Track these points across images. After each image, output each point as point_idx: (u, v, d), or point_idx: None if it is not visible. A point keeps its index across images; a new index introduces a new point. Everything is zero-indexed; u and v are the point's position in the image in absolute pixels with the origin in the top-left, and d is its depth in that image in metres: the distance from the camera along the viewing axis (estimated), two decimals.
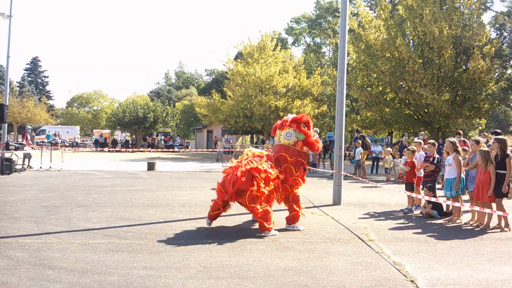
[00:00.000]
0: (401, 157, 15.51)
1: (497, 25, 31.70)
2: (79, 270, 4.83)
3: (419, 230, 7.44)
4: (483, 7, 28.70)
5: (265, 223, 6.55)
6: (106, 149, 35.44)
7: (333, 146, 16.71)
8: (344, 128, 10.78)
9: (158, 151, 35.62)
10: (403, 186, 10.16)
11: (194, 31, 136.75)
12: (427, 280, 4.73)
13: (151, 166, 18.98)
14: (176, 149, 41.58)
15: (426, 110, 23.71)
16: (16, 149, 18.37)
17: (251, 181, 6.50)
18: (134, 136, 47.40)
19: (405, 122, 25.14)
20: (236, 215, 7.96)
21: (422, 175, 9.52)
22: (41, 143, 31.59)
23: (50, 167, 17.74)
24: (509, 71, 29.14)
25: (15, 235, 6.41)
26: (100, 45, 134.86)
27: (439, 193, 9.64)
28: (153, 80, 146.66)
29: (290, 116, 7.53)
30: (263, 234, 6.63)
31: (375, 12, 30.14)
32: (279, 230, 6.95)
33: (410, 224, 8.05)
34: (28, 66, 68.74)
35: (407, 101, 24.63)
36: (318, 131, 7.73)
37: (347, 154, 23.73)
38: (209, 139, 45.79)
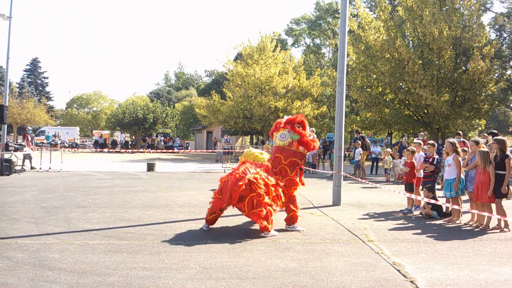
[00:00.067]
0: (400, 158, 15.52)
1: (496, 26, 31.73)
2: (78, 271, 4.82)
3: (419, 231, 7.44)
4: (482, 8, 28.76)
5: (264, 222, 6.56)
6: (105, 150, 35.44)
7: (332, 147, 16.74)
8: (344, 129, 10.78)
9: (157, 152, 35.60)
10: (403, 186, 10.16)
11: (194, 32, 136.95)
12: (427, 280, 4.73)
13: (150, 167, 18.98)
14: (175, 150, 41.59)
15: (425, 110, 23.72)
16: (16, 150, 18.38)
17: (250, 187, 6.51)
18: (133, 137, 47.38)
19: (405, 122, 25.15)
20: (235, 215, 7.96)
21: (422, 176, 9.53)
22: (41, 144, 31.61)
23: (49, 168, 17.74)
24: (508, 72, 29.18)
25: (14, 236, 6.41)
26: (99, 46, 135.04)
27: (439, 193, 9.63)
28: (152, 81, 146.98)
29: (285, 118, 7.55)
30: (262, 235, 6.63)
31: (375, 13, 30.19)
32: (279, 231, 6.95)
33: (410, 224, 8.05)
34: (27, 67, 68.82)
35: (406, 102, 24.64)
36: (315, 131, 7.72)
37: (347, 154, 23.74)
38: (209, 140, 45.78)
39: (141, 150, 38.18)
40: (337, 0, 49.34)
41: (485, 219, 7.69)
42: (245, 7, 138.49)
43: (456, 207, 7.70)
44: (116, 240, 6.25)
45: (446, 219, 8.46)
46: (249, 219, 7.72)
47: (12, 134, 47.50)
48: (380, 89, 25.76)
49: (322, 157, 20.65)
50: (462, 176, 8.41)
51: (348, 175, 14.40)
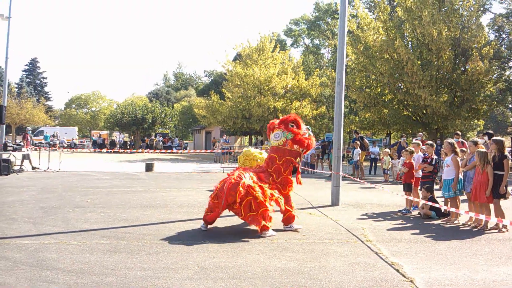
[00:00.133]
0: (399, 158, 15.54)
1: (495, 27, 31.77)
2: (76, 271, 4.82)
3: (417, 231, 7.45)
4: (481, 9, 28.79)
5: (262, 222, 6.58)
6: (104, 150, 35.42)
7: (331, 147, 16.74)
8: (343, 129, 10.79)
9: (156, 152, 35.60)
10: (401, 187, 10.17)
11: (193, 33, 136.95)
12: (425, 280, 4.74)
13: (149, 167, 18.98)
14: (174, 150, 41.59)
15: (424, 111, 23.75)
16: (14, 150, 18.35)
17: (246, 191, 6.53)
18: (132, 137, 47.41)
19: (404, 123, 25.18)
20: (234, 216, 7.94)
21: (420, 176, 9.54)
22: (39, 144, 31.58)
23: (48, 168, 17.73)
24: (507, 73, 29.23)
25: (12, 236, 6.40)
26: (98, 46, 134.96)
27: (437, 193, 9.64)
28: (151, 81, 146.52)
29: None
30: (261, 234, 6.63)
31: (374, 14, 30.23)
32: (277, 231, 6.95)
33: (408, 224, 8.06)
34: (26, 67, 68.73)
35: (405, 102, 24.67)
36: (310, 129, 7.71)
37: (346, 155, 23.76)
38: (208, 140, 45.79)
39: (140, 150, 38.21)
40: (336, 0, 49.40)
41: (483, 219, 7.70)
42: (244, 8, 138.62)
43: (453, 209, 7.69)
44: (115, 240, 6.25)
45: (444, 219, 8.47)
46: None
47: (11, 134, 47.46)
48: (379, 90, 25.79)
49: (320, 157, 20.66)
50: (461, 176, 8.43)
51: (347, 175, 14.40)
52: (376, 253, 5.85)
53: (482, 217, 6.48)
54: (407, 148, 10.19)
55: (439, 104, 21.81)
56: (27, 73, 67.98)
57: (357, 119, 27.19)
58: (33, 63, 69.03)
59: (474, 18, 23.34)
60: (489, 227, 7.64)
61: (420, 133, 20.15)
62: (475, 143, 8.29)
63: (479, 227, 7.71)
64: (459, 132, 14.73)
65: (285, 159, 7.18)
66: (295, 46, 58.54)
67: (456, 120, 23.38)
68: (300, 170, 7.55)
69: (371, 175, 18.78)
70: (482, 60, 22.53)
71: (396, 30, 24.11)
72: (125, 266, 5.03)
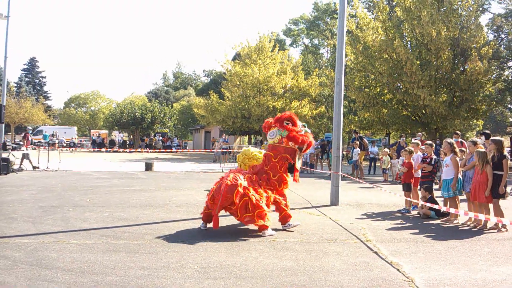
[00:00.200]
0: (398, 158, 15.55)
1: (494, 27, 31.79)
2: (76, 270, 4.82)
3: (417, 231, 7.45)
4: (480, 9, 28.81)
5: (260, 222, 6.59)
6: (103, 149, 35.40)
7: (330, 147, 16.74)
8: (342, 129, 10.80)
9: (155, 152, 35.59)
10: (401, 186, 10.18)
11: (192, 32, 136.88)
12: (425, 280, 4.74)
13: (148, 167, 18.97)
14: (173, 150, 41.57)
15: (423, 111, 23.77)
16: (14, 149, 18.34)
17: (242, 193, 6.55)
18: (131, 137, 47.37)
19: (403, 123, 25.20)
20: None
21: (420, 176, 9.54)
22: (38, 144, 31.55)
23: (47, 168, 17.71)
24: (506, 73, 29.25)
25: (12, 235, 6.39)
26: (98, 45, 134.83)
27: (436, 193, 9.65)
28: (151, 81, 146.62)
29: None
30: (261, 234, 6.63)
31: (373, 13, 30.23)
32: (276, 231, 6.95)
33: (408, 224, 8.07)
34: (25, 66, 68.61)
35: (404, 102, 24.68)
36: (306, 125, 7.73)
37: (345, 154, 23.77)
38: (207, 139, 45.79)
39: (139, 149, 38.19)
40: (335, 0, 49.40)
41: (482, 219, 7.70)
42: (243, 7, 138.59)
43: (452, 210, 7.70)
44: (114, 240, 6.25)
45: (443, 219, 8.48)
46: None
47: (10, 133, 47.42)
48: (378, 90, 25.80)
49: (320, 157, 20.66)
50: (460, 176, 8.44)
51: (346, 175, 14.39)
52: (375, 252, 5.85)
53: (482, 217, 6.49)
54: (406, 148, 10.19)
55: (438, 104, 21.83)
56: (26, 72, 67.87)
57: (356, 119, 27.20)
58: (32, 62, 68.92)
59: (473, 18, 23.37)
60: (488, 227, 7.65)
61: (419, 133, 20.20)
62: (474, 143, 8.30)
63: (478, 227, 7.72)
64: (458, 132, 14.74)
65: (281, 157, 7.20)
66: (294, 45, 58.63)
67: (455, 120, 23.40)
68: (298, 168, 7.52)
69: (370, 175, 18.79)
70: (481, 60, 22.55)
71: (395, 30, 24.12)
72: (125, 265, 5.03)
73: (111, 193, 11.25)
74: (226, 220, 7.63)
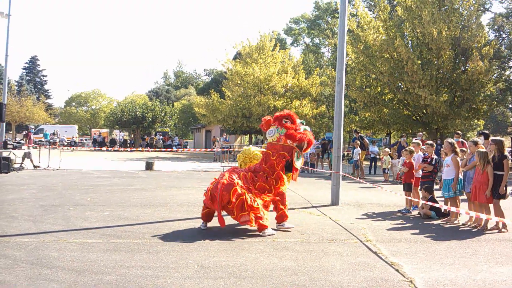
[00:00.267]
0: (399, 158, 15.54)
1: (495, 27, 31.75)
2: (76, 269, 4.82)
3: (417, 231, 7.45)
4: (481, 8, 28.77)
5: (259, 221, 6.60)
6: (104, 148, 35.41)
7: (331, 146, 16.72)
8: (343, 129, 10.79)
9: (156, 151, 35.60)
10: (401, 186, 10.17)
11: (193, 31, 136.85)
12: (425, 280, 4.74)
13: (149, 166, 18.98)
14: (174, 149, 41.59)
15: (424, 111, 23.74)
16: (14, 148, 18.34)
17: (239, 192, 6.56)
18: (132, 136, 47.38)
19: (404, 122, 25.17)
20: None
21: (420, 176, 9.53)
22: (39, 142, 31.57)
23: (48, 166, 17.73)
24: (507, 73, 29.21)
25: (12, 234, 6.40)
26: (98, 44, 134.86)
27: (437, 193, 9.65)
28: (151, 80, 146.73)
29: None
30: (261, 234, 6.64)
31: (374, 13, 30.21)
32: (275, 230, 6.96)
33: (408, 224, 8.06)
34: (26, 65, 68.66)
35: (405, 101, 24.66)
36: (304, 123, 7.73)
37: (346, 154, 23.76)
38: (208, 138, 45.80)
39: (140, 148, 38.19)
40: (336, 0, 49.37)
41: (483, 220, 7.70)
42: (244, 6, 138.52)
43: (453, 209, 7.72)
44: (115, 239, 6.25)
45: (444, 219, 8.48)
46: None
47: (11, 132, 47.44)
48: (379, 89, 25.78)
49: (320, 156, 20.66)
50: (460, 176, 8.43)
51: (347, 175, 14.39)
52: (375, 253, 5.85)
53: (483, 216, 6.48)
54: (407, 148, 10.18)
55: (439, 103, 21.80)
56: (27, 71, 67.92)
57: (357, 119, 27.18)
58: (33, 61, 68.97)
59: (474, 18, 23.33)
60: (489, 228, 7.64)
61: (420, 133, 20.16)
62: (475, 143, 8.28)
63: (479, 228, 7.72)
64: (459, 132, 14.73)
65: (279, 154, 7.19)
66: (295, 45, 58.57)
67: (456, 119, 23.37)
68: (298, 167, 7.50)
69: (371, 175, 18.78)
70: (482, 60, 22.52)
71: (396, 29, 24.08)
72: (125, 264, 5.03)
73: (112, 192, 11.25)
74: (226, 220, 7.61)
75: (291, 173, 7.43)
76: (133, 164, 22.39)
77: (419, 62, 22.69)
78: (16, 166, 16.53)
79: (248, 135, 38.07)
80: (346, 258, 5.54)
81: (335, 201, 10.18)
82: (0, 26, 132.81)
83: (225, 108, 30.94)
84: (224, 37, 76.50)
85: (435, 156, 9.42)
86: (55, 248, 5.66)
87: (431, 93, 21.93)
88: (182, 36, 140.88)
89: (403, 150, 11.50)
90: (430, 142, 9.84)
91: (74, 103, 71.15)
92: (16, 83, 60.62)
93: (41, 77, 69.41)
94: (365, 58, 24.65)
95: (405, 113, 25.43)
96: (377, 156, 19.29)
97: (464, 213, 6.84)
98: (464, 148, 10.15)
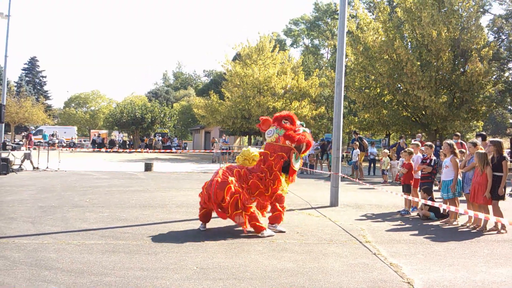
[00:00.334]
0: (398, 159, 15.55)
1: (495, 28, 31.80)
2: (75, 270, 4.82)
3: (416, 232, 7.45)
4: (481, 10, 28.81)
5: (256, 223, 6.61)
6: (103, 149, 35.40)
7: (330, 147, 16.72)
8: (342, 130, 10.80)
9: (155, 152, 35.58)
10: (400, 187, 10.18)
11: (192, 32, 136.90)
12: (424, 281, 4.74)
13: (148, 167, 18.97)
14: (173, 150, 41.57)
15: (423, 112, 23.77)
16: (13, 149, 18.33)
17: (233, 190, 6.56)
18: (131, 137, 47.34)
19: (403, 124, 25.20)
20: None
21: (419, 177, 9.54)
22: (38, 143, 31.57)
23: (47, 168, 17.71)
24: (506, 74, 29.26)
25: (11, 235, 6.39)
26: (98, 45, 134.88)
27: (436, 195, 9.66)
28: (151, 81, 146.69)
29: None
30: (259, 235, 6.64)
31: (373, 14, 30.23)
32: (274, 231, 6.96)
33: (407, 225, 8.06)
34: (26, 66, 68.61)
35: (404, 103, 24.68)
36: (304, 125, 7.74)
37: (345, 155, 23.77)
38: (207, 140, 45.79)
39: (139, 150, 38.19)
40: (336, 1, 49.43)
41: (482, 221, 7.71)
42: (244, 7, 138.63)
43: (453, 208, 7.72)
44: (113, 240, 6.25)
45: (443, 220, 8.48)
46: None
47: (10, 133, 47.42)
48: (378, 90, 25.80)
49: (320, 157, 20.67)
50: (459, 177, 8.44)
51: (346, 176, 14.40)
52: (375, 254, 5.85)
53: (482, 216, 6.47)
54: (406, 149, 10.20)
55: (438, 105, 21.83)
56: (26, 71, 67.89)
57: (356, 120, 27.20)
58: (33, 62, 68.93)
59: (473, 19, 23.36)
60: (488, 229, 7.65)
61: (419, 134, 20.17)
62: (475, 144, 8.30)
63: (478, 229, 7.72)
64: (458, 133, 14.74)
65: (277, 155, 7.18)
66: (294, 46, 58.63)
67: (455, 121, 23.40)
68: (295, 169, 7.49)
69: (370, 176, 18.79)
70: (482, 61, 22.54)
71: (395, 30, 24.12)
72: (124, 266, 5.03)
73: (111, 193, 11.24)
74: (226, 221, 7.63)
75: (289, 175, 7.41)
76: (132, 165, 22.38)
77: (419, 63, 22.72)
78: (15, 167, 16.51)
79: (247, 136, 38.10)
80: (345, 259, 5.54)
81: (334, 202, 10.18)
82: (0, 26, 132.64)
83: (225, 109, 30.94)
84: (224, 38, 76.73)
85: (434, 157, 9.43)
86: (54, 250, 5.65)
87: (430, 94, 21.95)
88: (181, 37, 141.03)
89: (402, 151, 11.51)
90: (429, 143, 9.85)
91: (73, 104, 71.12)
92: (16, 84, 60.63)
93: (41, 78, 69.38)
94: (365, 60, 24.68)
95: (404, 114, 25.45)
96: (376, 157, 19.29)
97: (463, 212, 6.83)
98: (463, 150, 10.16)
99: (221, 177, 6.68)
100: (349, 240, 6.64)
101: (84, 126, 68.05)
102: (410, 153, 9.80)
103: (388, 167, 16.59)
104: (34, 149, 23.28)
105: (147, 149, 39.83)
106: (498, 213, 7.50)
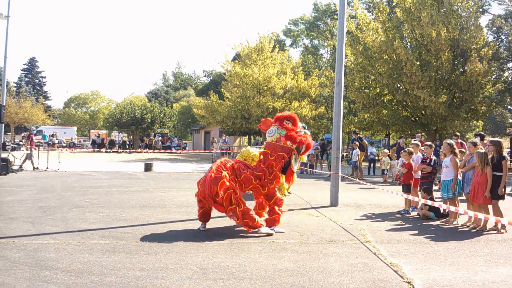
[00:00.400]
0: (398, 159, 15.55)
1: (494, 28, 31.80)
2: (75, 270, 4.82)
3: (416, 232, 7.46)
4: (480, 10, 28.80)
5: (249, 222, 6.61)
6: (103, 149, 35.39)
7: (330, 147, 16.72)
8: (342, 130, 10.80)
9: (155, 152, 35.59)
10: (400, 187, 10.18)
11: (192, 32, 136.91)
12: (424, 281, 4.74)
13: (148, 167, 18.97)
14: (173, 150, 41.58)
15: (423, 112, 23.77)
16: (13, 149, 18.33)
17: (227, 185, 6.57)
18: (131, 137, 47.33)
19: (403, 124, 25.20)
20: None
21: (419, 177, 9.54)
22: (38, 144, 31.56)
23: (47, 168, 17.71)
24: (506, 74, 29.23)
25: (11, 235, 6.39)
26: (97, 46, 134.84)
27: (436, 194, 9.66)
28: (150, 81, 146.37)
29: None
30: (256, 231, 6.65)
31: (373, 14, 30.23)
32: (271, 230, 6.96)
33: (407, 225, 8.07)
34: (25, 66, 68.61)
35: (404, 103, 24.69)
36: (306, 127, 7.76)
37: (345, 155, 23.76)
38: (207, 140, 45.77)
39: (139, 150, 38.19)
40: (335, 1, 49.43)
41: (482, 220, 7.71)
42: (243, 8, 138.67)
43: (453, 208, 7.72)
44: (114, 240, 6.25)
45: (443, 220, 8.49)
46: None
47: (10, 133, 47.41)
48: (378, 90, 25.80)
49: (319, 157, 20.67)
50: (459, 177, 8.44)
51: (346, 176, 14.41)
52: (375, 253, 5.85)
53: (481, 216, 6.48)
54: (406, 149, 10.20)
55: (438, 105, 21.83)
56: (26, 72, 67.88)
57: (356, 120, 27.20)
58: (32, 62, 68.93)
59: (473, 19, 23.35)
60: (488, 228, 7.65)
61: (419, 134, 20.19)
62: (474, 144, 8.31)
63: (478, 228, 7.73)
64: (458, 133, 14.74)
65: (277, 155, 7.18)
66: (294, 46, 58.64)
67: (455, 121, 23.40)
68: (294, 170, 7.50)
69: (370, 176, 18.79)
70: (481, 61, 22.54)
71: (395, 30, 24.13)
72: (124, 266, 5.03)
73: (111, 193, 11.24)
74: (226, 221, 7.62)
75: (287, 175, 7.41)
76: (132, 165, 22.38)
77: (418, 63, 22.72)
78: (15, 167, 16.51)
79: (247, 136, 38.09)
80: (346, 259, 5.55)
81: (334, 202, 10.18)
82: None
83: (224, 110, 30.94)
84: (223, 39, 76.84)
85: (434, 157, 9.43)
86: (54, 250, 5.65)
87: (430, 94, 21.95)
88: (181, 37, 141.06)
89: (402, 151, 11.52)
90: (429, 143, 9.85)
91: (73, 105, 71.15)
92: (15, 85, 60.63)
93: (40, 78, 69.37)
94: (364, 60, 24.68)
95: (404, 114, 25.45)
96: (376, 157, 19.29)
97: (463, 212, 6.83)
98: (463, 149, 10.17)
99: (214, 172, 6.68)
100: (349, 240, 6.64)
101: (84, 126, 68.06)
102: (410, 153, 9.80)
103: (388, 167, 16.60)
104: (35, 149, 23.24)
105: (147, 149, 39.83)
106: (498, 212, 7.51)
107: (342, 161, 13.67)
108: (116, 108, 47.83)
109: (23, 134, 46.04)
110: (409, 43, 25.35)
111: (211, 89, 41.84)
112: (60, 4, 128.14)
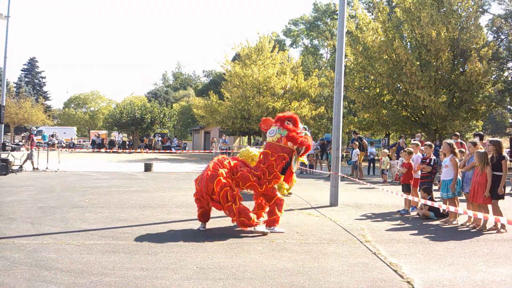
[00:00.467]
0: (398, 159, 15.56)
1: (494, 28, 31.80)
2: (75, 271, 4.82)
3: (416, 231, 7.46)
4: (480, 10, 28.79)
5: (245, 220, 6.60)
6: (103, 150, 35.39)
7: (330, 147, 16.72)
8: (342, 130, 10.80)
9: (155, 152, 35.58)
10: (400, 187, 10.18)
11: (192, 32, 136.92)
12: (423, 281, 4.74)
13: (148, 167, 18.97)
14: (173, 150, 41.57)
15: (423, 112, 23.77)
16: (13, 149, 18.33)
17: (224, 182, 6.58)
18: (131, 137, 47.33)
19: (402, 124, 25.19)
20: None
21: (419, 177, 9.54)
22: (38, 144, 31.56)
23: (46, 168, 17.71)
24: (506, 74, 29.23)
25: (11, 236, 6.39)
26: (97, 46, 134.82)
27: (436, 194, 9.66)
28: (150, 81, 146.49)
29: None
30: (252, 229, 6.66)
31: (373, 14, 30.23)
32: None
33: (407, 225, 8.07)
34: (25, 66, 68.64)
35: (404, 103, 24.68)
36: (307, 128, 7.76)
37: (344, 155, 23.77)
38: (207, 140, 45.76)
39: (139, 150, 38.20)
40: (335, 1, 49.43)
41: (481, 220, 7.71)
42: (243, 8, 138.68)
43: (452, 208, 7.72)
44: (113, 240, 6.25)
45: (443, 220, 8.49)
46: None
47: (9, 134, 47.41)
48: (378, 90, 25.79)
49: (319, 157, 20.67)
50: (459, 177, 8.44)
51: (346, 176, 14.41)
52: (374, 253, 5.85)
53: (480, 215, 6.48)
54: (406, 149, 10.20)
55: (437, 104, 21.83)
56: (25, 72, 67.89)
57: (356, 120, 27.19)
58: (32, 63, 68.95)
59: (472, 19, 23.35)
60: (487, 228, 7.65)
61: (419, 134, 20.18)
62: (474, 144, 8.31)
63: (477, 228, 7.73)
64: (457, 133, 14.74)
65: (278, 155, 7.17)
66: (294, 46, 58.65)
67: (455, 120, 23.40)
68: (293, 170, 7.49)
69: (369, 176, 18.79)
70: (481, 61, 22.54)
71: (395, 30, 24.12)
72: (124, 266, 5.03)
73: (111, 193, 11.24)
74: (225, 221, 7.63)
75: (285, 176, 7.41)
76: (132, 165, 22.37)
77: (418, 63, 22.71)
78: (14, 168, 16.51)
79: (247, 136, 38.08)
80: (345, 259, 5.55)
81: (334, 202, 10.18)
82: None
83: (224, 110, 30.93)
84: (223, 39, 76.91)
85: (433, 157, 9.43)
86: (53, 250, 5.65)
87: (429, 94, 21.95)
88: (181, 37, 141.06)
89: (402, 151, 11.51)
90: (428, 143, 9.86)
91: (72, 105, 71.16)
92: (15, 85, 60.65)
93: (40, 78, 69.39)
94: (364, 60, 24.67)
95: (403, 114, 25.45)
96: (376, 157, 19.29)
97: (463, 212, 6.83)
98: (462, 149, 10.17)
99: (211, 170, 6.69)
100: (349, 240, 6.64)
101: (83, 126, 68.08)
102: (410, 153, 9.80)
103: (388, 166, 16.60)
104: (35, 149, 23.23)
105: (147, 149, 39.84)
106: (498, 212, 7.51)
107: (342, 161, 13.68)
108: (116, 108, 47.83)
109: (23, 135, 46.09)
110: (409, 43, 25.34)
111: (211, 89, 41.83)
112: (60, 4, 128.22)
